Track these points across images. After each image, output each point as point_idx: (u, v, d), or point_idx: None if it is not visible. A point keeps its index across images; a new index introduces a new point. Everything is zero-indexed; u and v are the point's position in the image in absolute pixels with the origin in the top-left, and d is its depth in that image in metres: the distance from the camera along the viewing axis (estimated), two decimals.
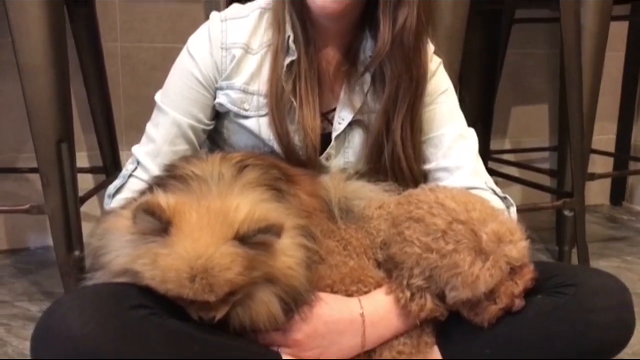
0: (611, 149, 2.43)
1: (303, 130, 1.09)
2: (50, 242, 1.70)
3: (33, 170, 1.75)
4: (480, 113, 2.03)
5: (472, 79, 1.98)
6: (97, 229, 0.88)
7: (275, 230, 0.78)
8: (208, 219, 0.78)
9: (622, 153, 2.40)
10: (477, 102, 2.01)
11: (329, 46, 1.13)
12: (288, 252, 0.83)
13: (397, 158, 1.10)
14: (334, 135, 1.13)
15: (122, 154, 1.86)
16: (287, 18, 1.09)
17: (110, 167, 1.79)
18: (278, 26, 1.10)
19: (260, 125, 1.11)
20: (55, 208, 1.31)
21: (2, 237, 1.85)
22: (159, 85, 1.85)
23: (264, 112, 1.10)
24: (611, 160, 2.44)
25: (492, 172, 2.12)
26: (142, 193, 0.95)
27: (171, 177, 0.92)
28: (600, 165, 2.40)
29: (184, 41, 1.87)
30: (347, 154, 1.15)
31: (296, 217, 0.89)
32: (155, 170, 1.08)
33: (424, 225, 0.91)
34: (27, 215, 1.81)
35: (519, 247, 0.91)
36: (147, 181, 1.07)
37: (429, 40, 1.14)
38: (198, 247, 0.75)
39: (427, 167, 1.14)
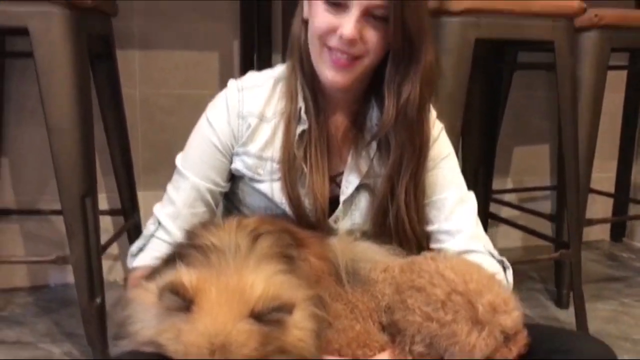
0: (611, 186, 2.49)
1: (312, 194, 1.16)
2: (69, 279, 1.78)
3: (54, 212, 1.85)
4: (482, 156, 2.10)
5: (475, 123, 2.05)
6: (123, 298, 0.96)
7: (287, 308, 0.85)
8: (226, 296, 0.85)
9: (621, 193, 2.46)
10: (479, 146, 2.08)
11: (337, 113, 1.21)
12: (299, 325, 0.90)
13: (401, 220, 1.17)
14: (342, 198, 1.20)
15: (140, 195, 1.94)
16: (299, 89, 1.17)
17: (128, 209, 1.87)
18: (290, 96, 1.18)
19: (273, 189, 1.19)
20: (79, 258, 1.40)
21: (23, 275, 1.94)
22: (175, 129, 1.97)
23: (276, 177, 1.18)
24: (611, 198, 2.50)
25: (493, 217, 2.20)
26: (166, 261, 1.03)
27: (191, 246, 1.00)
28: (601, 203, 2.47)
29: (199, 87, 1.99)
30: (354, 216, 1.22)
31: (306, 287, 0.96)
32: (175, 231, 1.17)
33: (425, 294, 0.98)
34: (47, 251, 1.93)
35: (512, 317, 0.98)
36: (168, 242, 1.17)
37: (431, 106, 1.22)
38: (217, 325, 0.83)
39: (430, 228, 1.21)
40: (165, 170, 1.91)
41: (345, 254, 1.13)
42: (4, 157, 1.87)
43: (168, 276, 0.89)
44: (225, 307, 0.84)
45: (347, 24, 1.05)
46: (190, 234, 1.06)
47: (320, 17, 1.08)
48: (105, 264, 1.92)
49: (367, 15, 1.06)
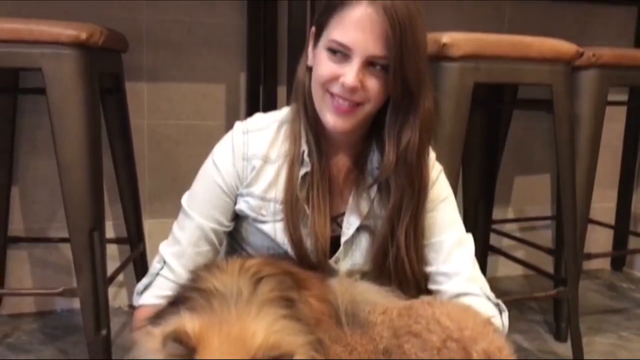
0: (611, 216, 2.51)
1: (314, 235, 1.20)
2: (76, 304, 1.81)
3: (63, 240, 1.89)
4: (482, 189, 2.13)
5: (475, 158, 2.08)
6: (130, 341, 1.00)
7: (286, 357, 0.88)
8: (227, 345, 0.88)
9: (621, 224, 2.48)
10: (479, 179, 2.11)
11: (339, 155, 1.25)
12: None
13: (401, 261, 1.20)
14: (343, 239, 1.24)
15: (145, 223, 1.98)
16: (303, 132, 1.21)
17: (134, 238, 1.90)
18: (294, 139, 1.22)
19: (276, 230, 1.23)
20: (86, 291, 1.43)
21: (30, 300, 1.97)
22: (182, 158, 2.02)
23: (279, 218, 1.22)
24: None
25: (493, 249, 2.23)
26: (171, 303, 1.06)
27: (195, 289, 1.03)
28: (601, 233, 2.49)
29: (205, 119, 2.04)
30: (355, 256, 1.25)
31: (306, 332, 0.99)
32: (180, 270, 1.21)
33: (422, 340, 1.01)
34: (55, 278, 1.97)
35: None
36: (173, 280, 1.20)
37: (430, 148, 1.26)
38: None
39: (428, 269, 1.24)
40: (171, 199, 1.98)
41: (345, 296, 1.16)
42: (15, 186, 1.91)
43: (172, 323, 0.93)
44: (226, 355, 0.87)
45: (349, 72, 1.09)
46: (194, 277, 1.10)
47: (323, 65, 1.13)
48: (111, 290, 1.96)
49: (368, 64, 1.10)
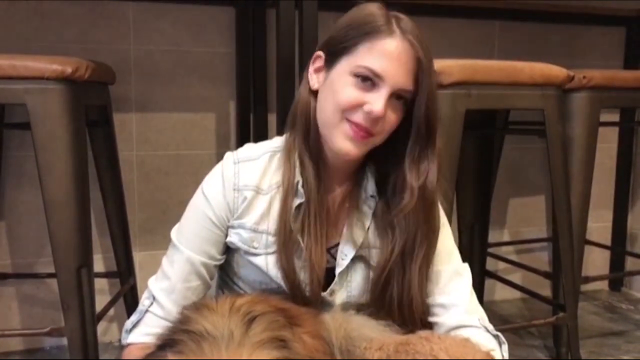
0: (607, 235, 2.50)
1: (309, 266, 1.16)
2: (65, 341, 1.76)
3: (51, 276, 1.85)
4: (477, 212, 2.11)
5: (469, 181, 2.07)
6: None
7: None
8: None
9: (618, 244, 2.46)
10: (474, 203, 2.09)
11: (335, 185, 1.23)
12: None
13: (409, 300, 1.16)
14: (338, 270, 1.21)
15: (136, 256, 1.94)
16: (297, 163, 1.18)
17: (124, 271, 1.87)
18: (288, 170, 1.19)
19: (268, 263, 1.20)
20: (73, 330, 1.39)
21: (18, 337, 1.91)
22: (172, 189, 1.99)
23: (271, 250, 1.19)
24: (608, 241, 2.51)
25: (490, 275, 2.20)
26: (159, 346, 1.02)
27: (185, 331, 1.00)
28: (598, 253, 2.47)
29: (195, 148, 2.01)
30: (350, 287, 1.22)
31: None
32: (170, 306, 1.18)
33: None
34: (43, 314, 1.92)
35: None
36: (162, 317, 1.17)
37: None
38: None
39: (426, 300, 1.21)
40: (162, 231, 1.94)
41: (339, 332, 1.13)
42: (1, 220, 1.87)
43: None
44: None
45: (377, 100, 1.07)
46: (183, 318, 1.06)
47: (347, 90, 1.09)
48: (101, 325, 1.91)
49: (391, 96, 1.09)
